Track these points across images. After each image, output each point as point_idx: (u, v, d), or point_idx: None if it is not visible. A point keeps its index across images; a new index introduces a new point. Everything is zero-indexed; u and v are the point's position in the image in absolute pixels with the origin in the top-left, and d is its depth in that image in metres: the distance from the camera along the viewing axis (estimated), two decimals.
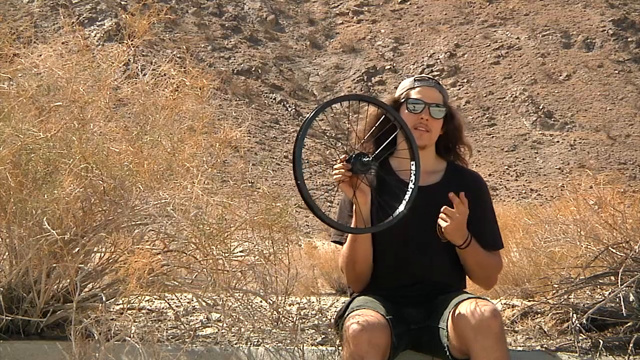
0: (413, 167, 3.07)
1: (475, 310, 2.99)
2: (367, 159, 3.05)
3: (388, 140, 3.37)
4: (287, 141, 37.02)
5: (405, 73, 42.91)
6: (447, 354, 3.10)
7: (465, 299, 3.11)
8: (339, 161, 3.09)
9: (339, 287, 11.45)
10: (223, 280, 3.64)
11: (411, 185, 3.04)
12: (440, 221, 3.19)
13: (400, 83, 3.54)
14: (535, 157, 36.99)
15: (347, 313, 3.19)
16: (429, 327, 3.18)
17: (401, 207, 3.01)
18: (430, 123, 3.36)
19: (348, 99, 3.14)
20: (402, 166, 3.36)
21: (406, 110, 3.37)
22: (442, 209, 3.18)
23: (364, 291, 3.33)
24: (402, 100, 3.40)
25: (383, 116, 3.25)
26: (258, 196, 3.86)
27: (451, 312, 3.08)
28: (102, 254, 3.84)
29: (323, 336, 3.78)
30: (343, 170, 3.07)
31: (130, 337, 3.37)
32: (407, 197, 3.02)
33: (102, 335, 3.29)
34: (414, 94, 3.39)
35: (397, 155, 3.41)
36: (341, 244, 3.37)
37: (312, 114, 3.01)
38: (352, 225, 3.21)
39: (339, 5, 47.68)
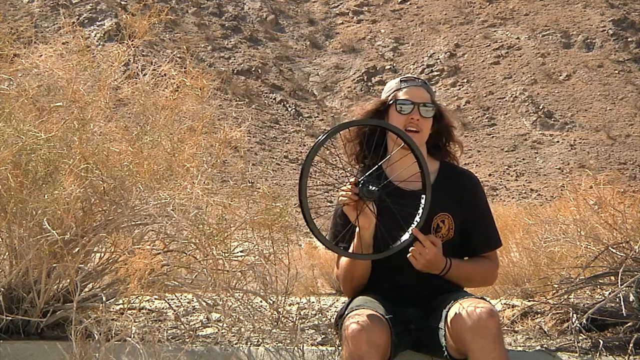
0: (422, 201, 3.09)
1: (472, 311, 3.00)
2: (374, 187, 3.06)
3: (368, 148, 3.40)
4: (287, 141, 37.02)
5: (406, 73, 42.91)
6: (446, 354, 3.10)
7: (463, 299, 3.11)
8: (347, 184, 3.09)
9: (339, 287, 11.45)
10: (223, 280, 3.64)
11: (417, 218, 3.08)
12: (411, 259, 3.17)
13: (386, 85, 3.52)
14: (535, 157, 36.98)
15: (346, 313, 3.20)
16: (428, 327, 3.18)
17: (405, 236, 3.06)
18: (420, 123, 3.33)
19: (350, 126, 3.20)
20: (395, 173, 3.36)
21: (395, 112, 3.35)
22: (410, 251, 3.16)
23: (364, 291, 3.33)
24: (390, 102, 3.37)
25: (374, 109, 3.33)
26: (258, 196, 3.86)
27: (449, 313, 3.09)
28: (102, 254, 3.84)
29: (323, 336, 3.78)
30: (350, 194, 3.08)
31: (130, 337, 3.37)
32: (412, 226, 3.07)
33: (103, 336, 3.30)
34: (401, 95, 3.36)
35: (388, 164, 3.41)
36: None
37: (317, 142, 2.99)
38: (351, 249, 3.21)
39: (339, 5, 47.67)
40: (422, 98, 3.36)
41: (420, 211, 3.09)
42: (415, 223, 3.08)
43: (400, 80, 3.42)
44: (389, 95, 3.40)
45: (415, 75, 3.51)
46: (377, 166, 3.25)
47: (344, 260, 3.30)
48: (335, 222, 3.39)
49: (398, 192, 3.29)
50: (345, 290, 3.37)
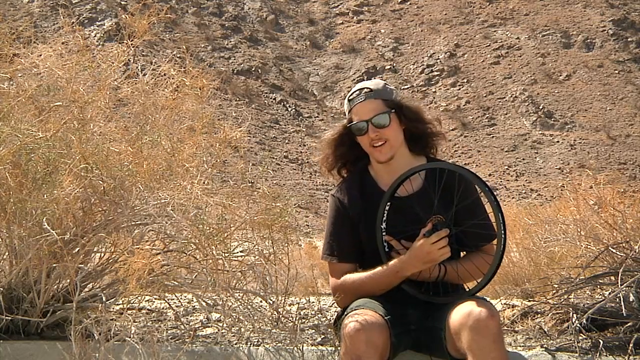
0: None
1: (472, 311, 3.00)
2: (442, 219, 3.16)
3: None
4: (287, 141, 37.02)
5: (406, 73, 42.90)
6: (446, 353, 3.10)
7: (463, 300, 3.11)
8: (439, 237, 3.13)
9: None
10: (223, 280, 3.64)
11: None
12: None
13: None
14: (535, 157, 36.98)
15: (346, 313, 3.20)
16: (429, 328, 3.18)
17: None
18: (381, 133, 3.30)
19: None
20: (379, 175, 3.37)
21: (356, 135, 3.35)
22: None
23: None
24: (348, 126, 3.37)
25: (339, 136, 3.38)
26: (258, 196, 3.86)
27: (449, 313, 3.08)
28: (102, 254, 3.84)
29: (323, 336, 3.78)
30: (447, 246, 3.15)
31: (130, 337, 3.37)
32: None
33: (102, 336, 3.30)
34: (354, 117, 3.34)
35: (371, 164, 3.42)
36: (333, 261, 3.36)
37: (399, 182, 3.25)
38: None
39: (339, 5, 47.65)
40: (371, 111, 3.31)
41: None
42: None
43: (348, 101, 3.39)
44: (347, 119, 3.39)
45: (364, 85, 3.40)
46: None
47: (362, 276, 3.28)
48: (334, 230, 3.37)
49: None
50: (342, 303, 3.35)
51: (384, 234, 3.25)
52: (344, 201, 3.36)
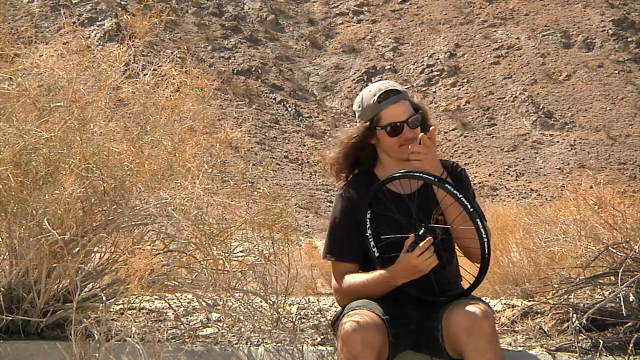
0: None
1: (467, 312, 3.01)
2: (431, 231, 3.13)
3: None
4: (287, 141, 37.03)
5: (406, 73, 42.91)
6: (445, 354, 3.11)
7: (459, 300, 3.12)
8: (422, 246, 3.09)
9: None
10: (223, 280, 3.64)
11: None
12: (413, 162, 3.20)
13: (359, 97, 3.41)
14: (535, 157, 36.99)
15: (344, 313, 3.20)
16: (428, 328, 3.19)
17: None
18: (415, 133, 3.29)
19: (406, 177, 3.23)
20: (387, 175, 3.36)
21: (386, 135, 3.30)
22: (409, 148, 3.22)
23: None
24: (379, 128, 3.31)
25: (360, 139, 3.33)
26: (258, 196, 3.87)
27: (445, 313, 3.09)
28: (102, 254, 3.84)
29: (323, 336, 3.78)
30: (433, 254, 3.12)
31: (130, 337, 3.37)
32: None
33: (103, 336, 3.30)
34: (387, 118, 3.29)
35: (380, 165, 3.40)
36: (334, 260, 3.36)
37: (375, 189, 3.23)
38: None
39: (339, 5, 47.66)
40: (405, 112, 3.29)
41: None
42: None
43: (377, 101, 3.31)
44: (373, 119, 3.31)
45: (387, 86, 3.32)
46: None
47: (357, 281, 3.28)
48: (337, 229, 3.37)
49: (392, 196, 3.29)
50: (342, 303, 3.35)
51: (370, 240, 3.26)
52: (352, 200, 3.35)
